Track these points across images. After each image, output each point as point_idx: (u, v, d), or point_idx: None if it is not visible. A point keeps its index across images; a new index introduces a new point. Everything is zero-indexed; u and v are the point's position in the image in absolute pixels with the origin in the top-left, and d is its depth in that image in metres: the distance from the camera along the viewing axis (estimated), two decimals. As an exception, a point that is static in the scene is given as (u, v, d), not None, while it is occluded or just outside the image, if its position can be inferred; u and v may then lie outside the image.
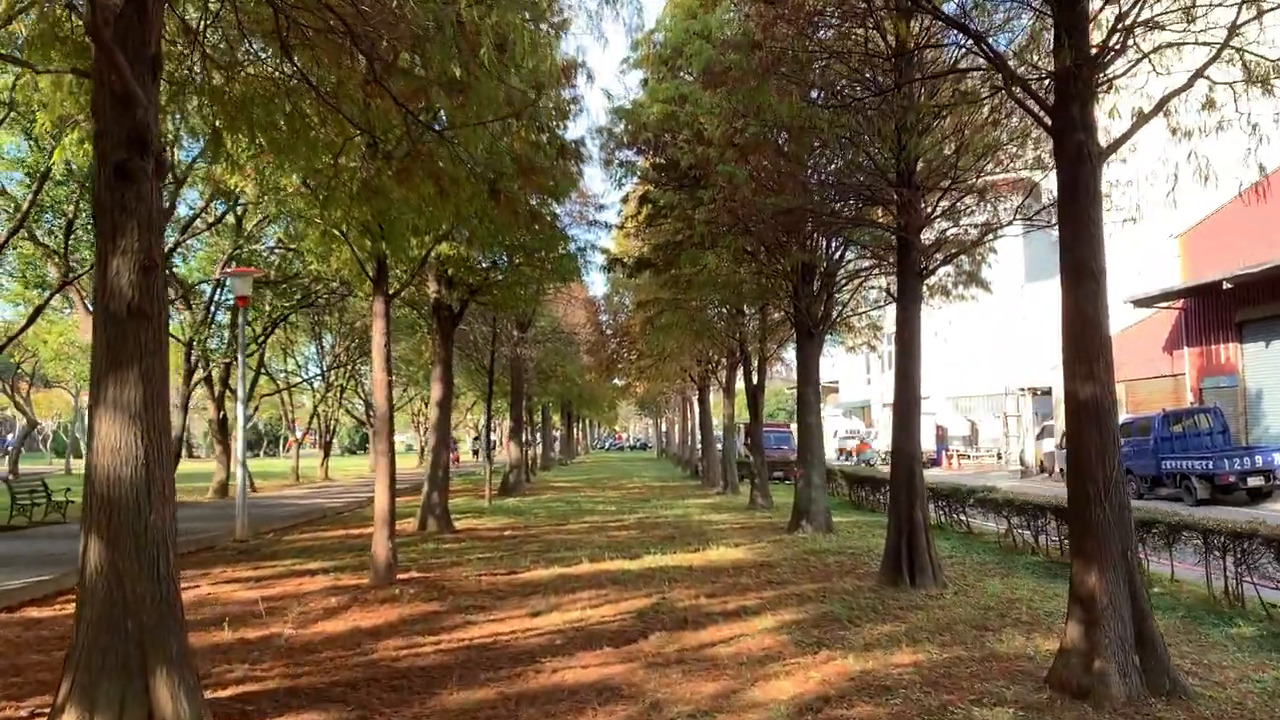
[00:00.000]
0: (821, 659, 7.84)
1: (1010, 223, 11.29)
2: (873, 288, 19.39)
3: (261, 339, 32.41)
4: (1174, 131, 8.13)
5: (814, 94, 10.77)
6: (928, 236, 12.28)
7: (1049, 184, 11.72)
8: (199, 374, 27.50)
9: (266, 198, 11.76)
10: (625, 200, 19.46)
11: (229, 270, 18.41)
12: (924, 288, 12.03)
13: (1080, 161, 7.07)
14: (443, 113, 9.50)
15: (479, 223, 9.33)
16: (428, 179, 9.00)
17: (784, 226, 15.58)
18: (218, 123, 8.30)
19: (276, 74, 8.35)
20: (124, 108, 6.21)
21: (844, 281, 17.39)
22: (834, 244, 16.68)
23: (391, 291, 12.15)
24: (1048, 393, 43.56)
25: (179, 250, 28.16)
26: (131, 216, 6.24)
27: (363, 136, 8.91)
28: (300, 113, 8.58)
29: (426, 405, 64.51)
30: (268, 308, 30.88)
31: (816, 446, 17.51)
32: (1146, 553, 12.72)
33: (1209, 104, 7.93)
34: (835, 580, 11.90)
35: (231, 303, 30.26)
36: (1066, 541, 14.27)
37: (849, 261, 17.05)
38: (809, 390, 17.48)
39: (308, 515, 22.03)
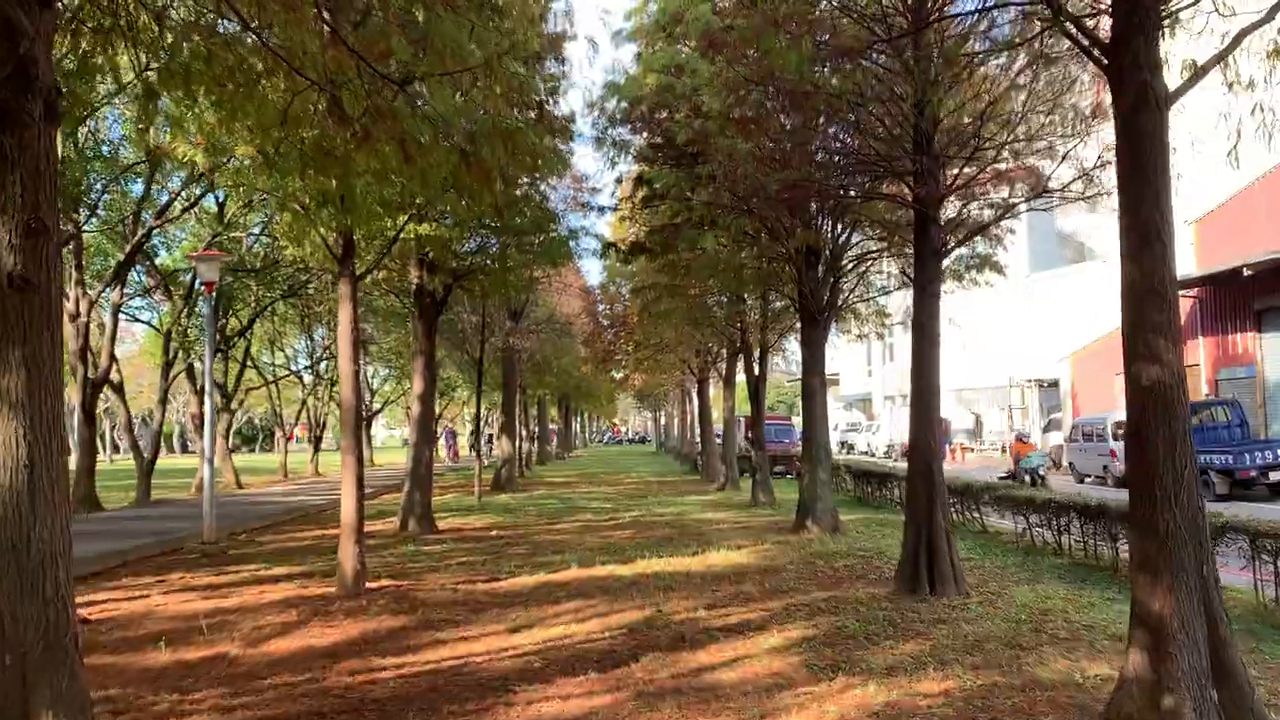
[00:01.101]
0: (838, 687, 6.79)
1: (1039, 194, 10.20)
2: (879, 273, 18.33)
3: (246, 329, 31.34)
4: (1231, 85, 7.13)
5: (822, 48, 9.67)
6: (946, 212, 11.20)
7: (1083, 153, 10.67)
8: (179, 366, 26.35)
9: (219, 171, 10.65)
10: (619, 182, 18.39)
11: (193, 254, 17.31)
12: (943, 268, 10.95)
13: (1144, 106, 6.00)
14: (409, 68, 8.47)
15: (450, 192, 8.25)
16: (390, 142, 7.94)
17: (788, 205, 14.54)
18: (150, 75, 7.24)
19: (211, 15, 7.32)
20: (2, 39, 5.16)
21: (850, 265, 16.32)
22: (840, 225, 15.64)
23: (359, 272, 11.08)
24: (1054, 385, 42.54)
25: (161, 239, 27.24)
26: (13, 169, 5.18)
27: (317, 93, 7.86)
28: (244, 63, 7.52)
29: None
30: (252, 298, 29.82)
31: (822, 440, 16.47)
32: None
33: (1276, 52, 6.92)
34: (847, 588, 10.86)
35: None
36: (1091, 543, 13.35)
37: (856, 244, 15.97)
38: (814, 380, 16.44)
39: (288, 514, 20.98)
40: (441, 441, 68.66)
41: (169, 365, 25.38)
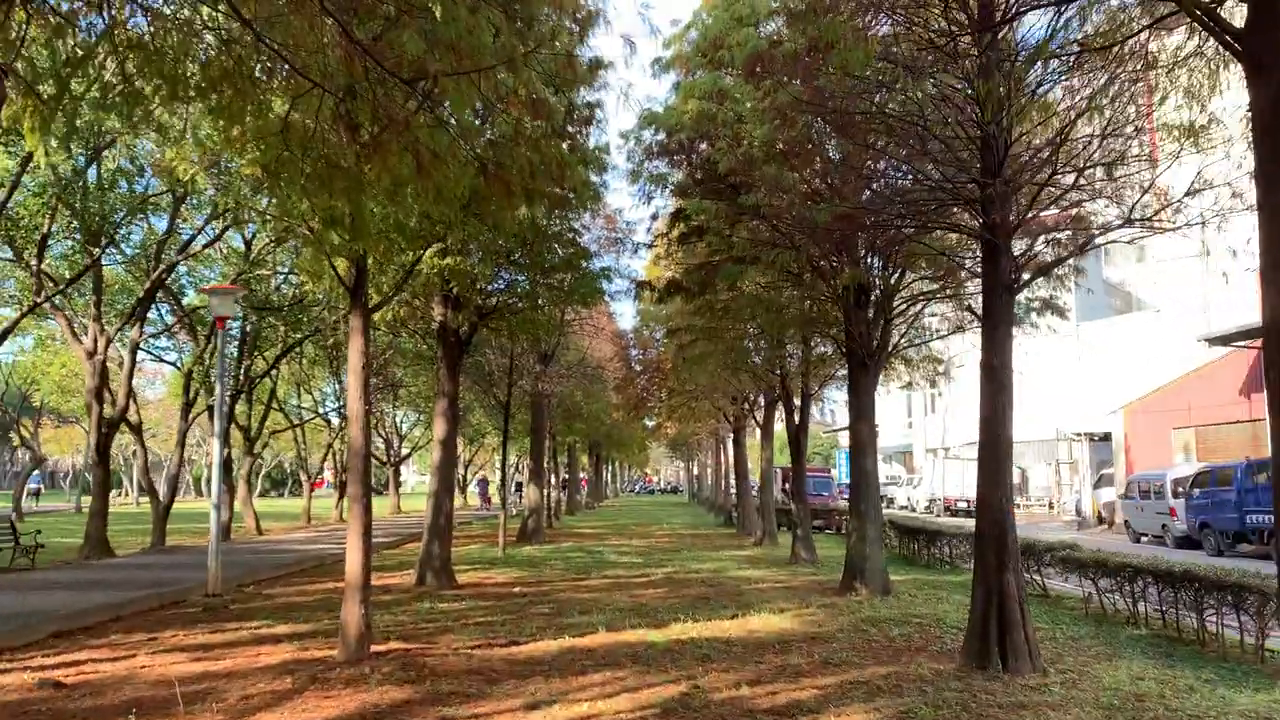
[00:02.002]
0: (915, 795, 5.64)
1: (1124, 224, 9.11)
2: (932, 315, 17.22)
3: (271, 370, 30.73)
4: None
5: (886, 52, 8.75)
6: (1017, 243, 10.15)
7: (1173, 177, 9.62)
8: (200, 406, 25.68)
9: (221, 193, 9.88)
10: (655, 218, 17.53)
11: (205, 288, 16.62)
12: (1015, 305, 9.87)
13: (1293, 98, 4.99)
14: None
15: (471, 214, 7.35)
16: (402, 153, 7.09)
17: (837, 240, 13.58)
18: (128, 65, 6.45)
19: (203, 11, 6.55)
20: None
21: (902, 306, 15.26)
22: (892, 263, 14.63)
23: (373, 304, 10.21)
24: (1106, 438, 40.79)
25: (189, 277, 26.77)
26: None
27: (321, 97, 7.05)
28: (241, 65, 6.73)
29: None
30: (278, 339, 29.21)
31: (872, 494, 15.28)
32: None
33: None
34: (907, 661, 9.66)
35: (236, 331, 28.77)
36: (1172, 612, 12.05)
37: (908, 283, 14.92)
38: (863, 430, 15.30)
39: (303, 563, 20.01)
40: (473, 489, 67.86)
41: (189, 406, 24.71)
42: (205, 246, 22.13)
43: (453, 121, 7.24)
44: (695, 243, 17.15)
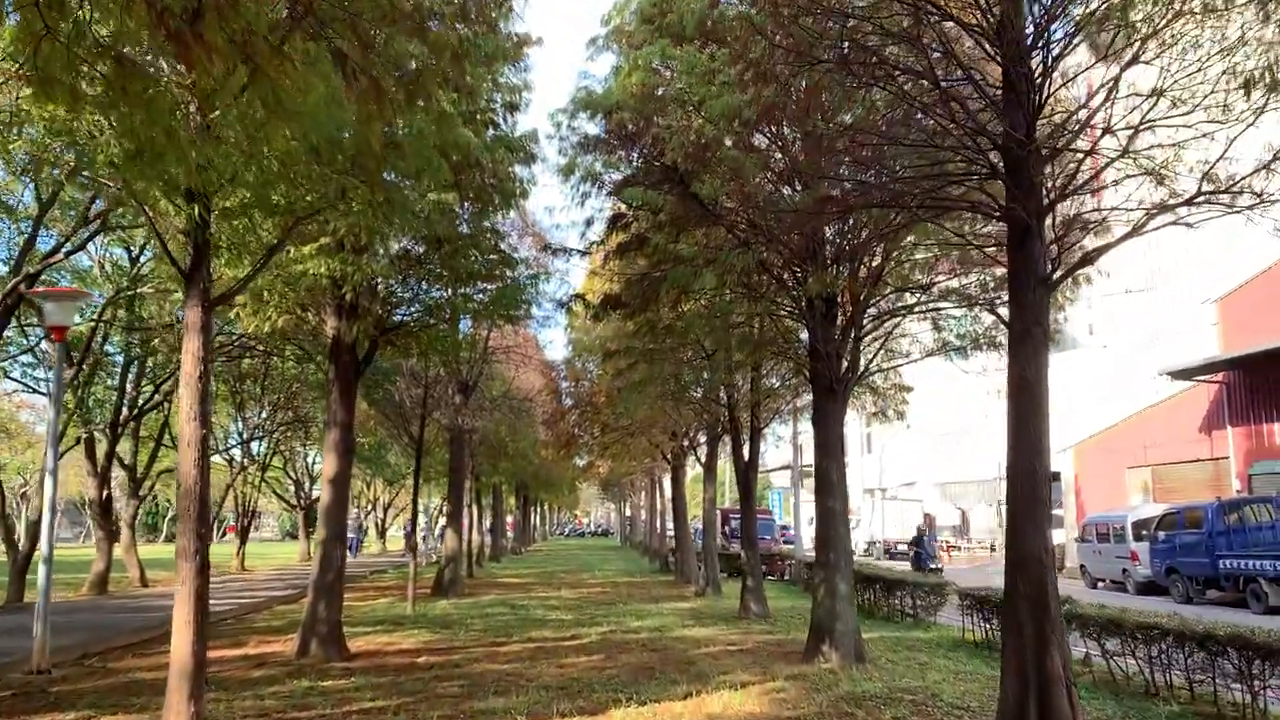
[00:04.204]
0: None
1: (1202, 198, 7.10)
2: (903, 335, 15.18)
3: (162, 401, 27.54)
4: None
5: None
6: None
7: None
8: (69, 440, 22.45)
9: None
10: (590, 223, 15.24)
11: (36, 290, 13.79)
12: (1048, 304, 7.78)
13: None
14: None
15: (324, 118, 5.00)
16: (229, 47, 4.72)
17: (805, 238, 11.50)
18: None
19: None
20: None
21: (876, 321, 13.23)
22: (861, 269, 12.62)
23: (218, 295, 7.69)
24: (1055, 478, 39.45)
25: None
26: None
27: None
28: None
29: (369, 486, 59.10)
30: (172, 366, 26.10)
31: (841, 542, 13.06)
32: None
33: None
34: (922, 767, 7.39)
35: (117, 356, 25.67)
36: (1210, 685, 10.10)
37: (885, 294, 12.87)
38: (830, 465, 13.11)
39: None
40: (395, 532, 64.02)
41: (56, 439, 21.42)
42: (70, 254, 19.12)
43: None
44: (636, 253, 14.95)
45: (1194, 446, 28.52)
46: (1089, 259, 7.66)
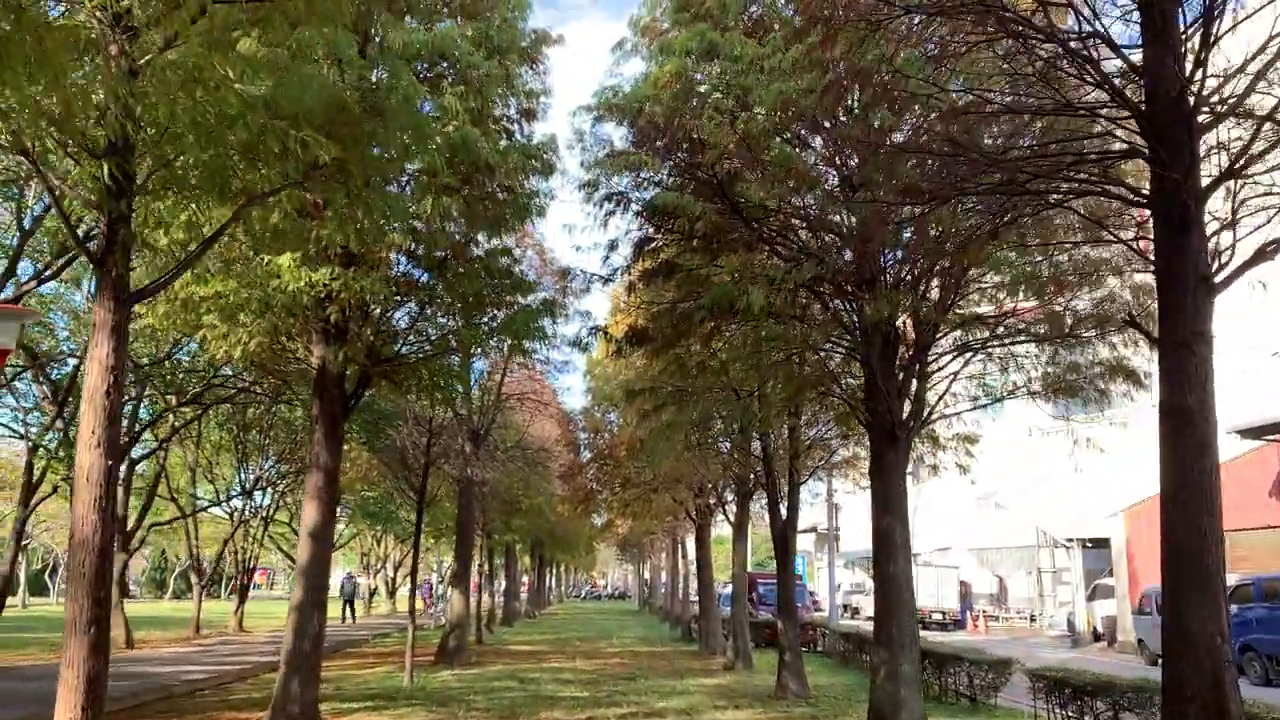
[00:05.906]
0: None
1: None
2: (969, 377, 13.31)
3: (158, 448, 26.00)
4: None
5: None
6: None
7: None
8: (46, 488, 20.81)
9: None
10: (614, 247, 13.57)
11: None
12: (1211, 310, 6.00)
13: None
14: None
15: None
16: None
17: (862, 249, 9.83)
18: None
19: None
20: None
21: (953, 354, 11.48)
22: (930, 291, 10.91)
23: (138, 289, 6.01)
24: (1100, 544, 36.96)
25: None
26: None
27: None
28: None
29: (379, 542, 56.89)
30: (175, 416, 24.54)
31: (906, 613, 11.10)
32: None
33: None
34: None
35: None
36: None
37: (960, 322, 11.08)
38: (894, 524, 11.21)
39: (142, 695, 15.11)
40: (419, 594, 61.49)
41: (32, 487, 19.83)
42: (54, 276, 17.51)
43: None
44: (664, 281, 13.28)
45: (1263, 512, 26.25)
46: (1265, 253, 5.88)
